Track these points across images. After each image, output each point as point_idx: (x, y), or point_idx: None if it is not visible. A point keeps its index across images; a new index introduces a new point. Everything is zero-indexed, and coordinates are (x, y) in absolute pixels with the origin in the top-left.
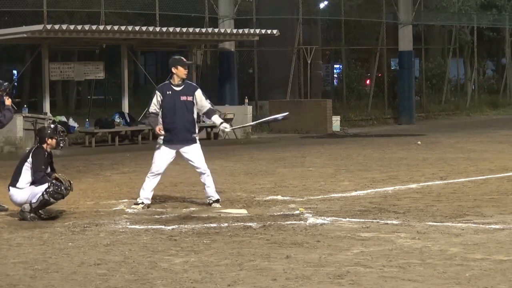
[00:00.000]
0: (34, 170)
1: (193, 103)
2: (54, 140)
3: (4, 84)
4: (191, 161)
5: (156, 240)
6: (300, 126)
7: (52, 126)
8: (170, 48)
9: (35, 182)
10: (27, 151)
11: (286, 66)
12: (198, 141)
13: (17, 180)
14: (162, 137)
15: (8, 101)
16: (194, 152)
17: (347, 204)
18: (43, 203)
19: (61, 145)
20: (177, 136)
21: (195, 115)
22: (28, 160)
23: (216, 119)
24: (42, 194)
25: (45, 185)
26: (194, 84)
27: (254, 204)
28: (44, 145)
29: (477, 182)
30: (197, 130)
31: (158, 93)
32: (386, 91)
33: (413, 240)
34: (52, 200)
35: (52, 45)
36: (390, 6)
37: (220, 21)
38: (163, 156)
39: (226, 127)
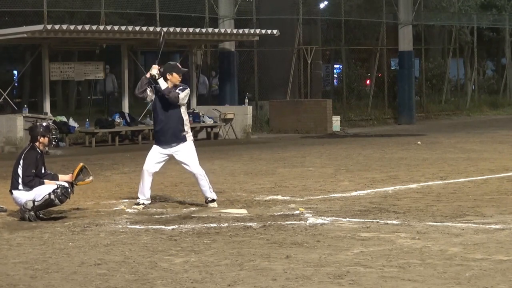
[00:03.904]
0: (23, 174)
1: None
2: (46, 139)
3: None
4: (183, 162)
5: (156, 240)
6: (300, 126)
7: (44, 124)
8: (170, 48)
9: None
10: (20, 152)
11: (286, 66)
12: (190, 141)
13: (18, 182)
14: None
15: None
16: (185, 153)
17: (347, 204)
18: (47, 202)
19: (53, 142)
20: (167, 134)
21: (184, 115)
22: (20, 162)
23: (161, 82)
24: (49, 194)
25: (52, 186)
26: (184, 85)
27: (254, 204)
28: (37, 144)
29: (477, 182)
30: (186, 129)
31: (152, 87)
32: (386, 91)
33: (413, 240)
34: (57, 201)
35: (52, 45)
36: (390, 6)
37: (220, 21)
38: (154, 156)
39: (152, 71)
